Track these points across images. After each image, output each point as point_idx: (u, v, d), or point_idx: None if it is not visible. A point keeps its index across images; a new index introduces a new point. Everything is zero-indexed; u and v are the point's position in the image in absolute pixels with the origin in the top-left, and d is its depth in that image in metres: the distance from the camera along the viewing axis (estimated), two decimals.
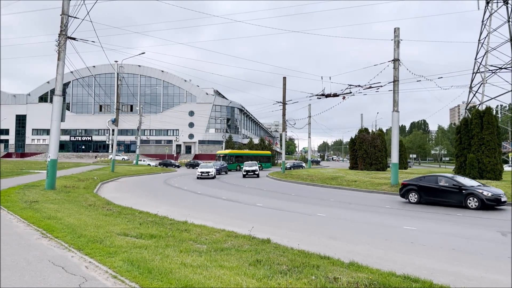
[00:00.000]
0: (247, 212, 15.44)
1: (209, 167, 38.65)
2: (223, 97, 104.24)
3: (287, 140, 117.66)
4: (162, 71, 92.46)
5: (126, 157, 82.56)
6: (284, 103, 43.52)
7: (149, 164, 62.87)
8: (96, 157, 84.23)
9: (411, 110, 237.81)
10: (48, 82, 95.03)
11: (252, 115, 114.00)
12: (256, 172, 41.34)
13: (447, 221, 13.39)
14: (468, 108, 42.72)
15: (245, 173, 41.51)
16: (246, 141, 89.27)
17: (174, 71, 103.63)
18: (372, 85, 25.98)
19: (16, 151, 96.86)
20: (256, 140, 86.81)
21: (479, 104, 39.78)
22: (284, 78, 43.99)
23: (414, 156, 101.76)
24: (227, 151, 60.85)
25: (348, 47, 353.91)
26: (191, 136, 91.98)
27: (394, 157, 25.31)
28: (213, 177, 37.28)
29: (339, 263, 6.81)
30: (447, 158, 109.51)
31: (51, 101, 45.23)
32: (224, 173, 48.66)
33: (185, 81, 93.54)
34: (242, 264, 6.47)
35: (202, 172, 37.17)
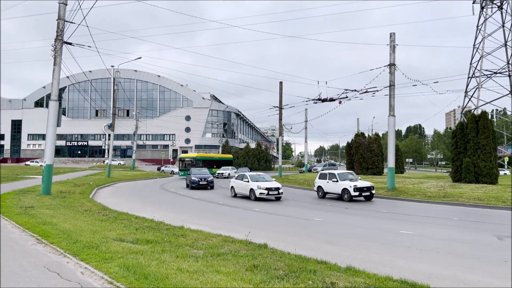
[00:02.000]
0: (243, 217, 15.41)
1: (269, 179, 23.11)
2: (220, 101, 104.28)
3: (284, 144, 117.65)
4: (159, 76, 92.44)
5: (122, 162, 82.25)
6: (280, 108, 43.57)
7: (172, 171, 59.29)
8: (104, 161, 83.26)
9: (405, 115, 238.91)
10: (44, 87, 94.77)
11: (248, 120, 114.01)
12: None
13: (443, 225, 13.41)
14: (463, 112, 42.95)
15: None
16: (242, 145, 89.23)
17: (170, 75, 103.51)
18: (368, 90, 26.07)
19: (12, 156, 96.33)
20: (252, 145, 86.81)
21: (475, 109, 40.00)
22: (281, 83, 44.07)
23: (411, 160, 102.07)
24: (195, 155, 53.18)
25: (342, 52, 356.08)
26: (187, 140, 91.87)
27: (391, 162, 25.34)
28: (280, 198, 22.05)
29: (336, 268, 6.80)
30: (443, 162, 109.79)
31: (47, 106, 45.11)
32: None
33: (182, 86, 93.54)
34: (239, 269, 6.45)
35: (268, 190, 21.10)
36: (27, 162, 77.46)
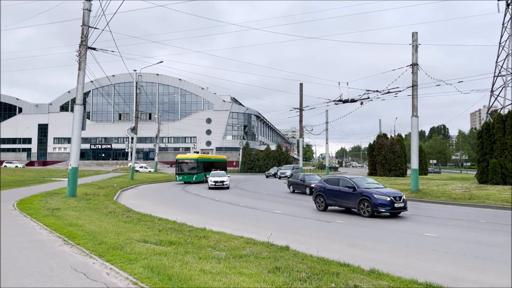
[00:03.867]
0: (265, 219, 15.39)
1: None
2: (240, 104, 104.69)
3: (304, 146, 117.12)
4: (180, 79, 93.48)
5: (145, 165, 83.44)
6: (301, 109, 43.41)
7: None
8: (143, 163, 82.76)
9: (428, 115, 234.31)
10: (69, 92, 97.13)
11: (268, 122, 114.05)
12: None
13: (470, 228, 13.10)
14: (489, 112, 41.87)
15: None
16: (263, 147, 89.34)
17: (190, 79, 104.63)
18: (391, 90, 25.70)
19: (39, 159, 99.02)
20: (273, 147, 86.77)
21: (501, 108, 38.96)
22: (301, 85, 43.94)
23: (435, 161, 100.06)
24: (196, 156, 42.43)
25: (357, 54, 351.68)
26: (208, 143, 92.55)
27: (414, 163, 24.91)
28: None
29: (360, 271, 6.73)
30: (469, 164, 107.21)
31: (72, 110, 46.22)
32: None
33: (202, 88, 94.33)
34: (261, 271, 6.45)
35: None
36: (137, 168, 68.88)
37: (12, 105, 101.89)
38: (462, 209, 18.92)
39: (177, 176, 39.74)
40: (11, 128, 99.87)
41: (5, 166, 72.31)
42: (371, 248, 9.81)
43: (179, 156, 41.91)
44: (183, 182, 39.36)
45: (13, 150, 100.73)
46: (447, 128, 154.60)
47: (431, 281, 6.17)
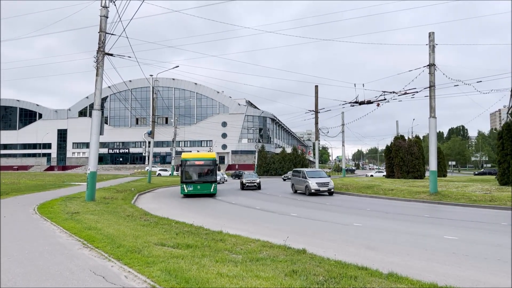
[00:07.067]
0: (281, 222, 15.34)
1: None
2: (255, 107, 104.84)
3: (320, 148, 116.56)
4: (195, 83, 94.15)
5: (167, 169, 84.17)
6: (316, 112, 43.21)
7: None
8: (161, 166, 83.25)
9: (445, 116, 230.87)
10: (87, 97, 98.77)
11: (284, 125, 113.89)
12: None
13: (491, 231, 12.82)
14: (510, 112, 40.97)
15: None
16: (278, 150, 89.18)
17: (206, 83, 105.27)
18: (408, 91, 25.40)
19: (58, 164, 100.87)
20: (288, 150, 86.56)
21: None
22: (316, 87, 43.75)
23: (453, 163, 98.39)
24: (214, 154, 30.60)
25: (372, 56, 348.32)
26: (224, 146, 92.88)
27: (433, 165, 24.55)
28: None
29: (378, 274, 6.65)
30: (489, 165, 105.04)
31: (90, 115, 47.03)
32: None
33: (218, 92, 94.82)
34: (278, 274, 6.43)
35: None
36: (159, 171, 66.09)
37: (32, 111, 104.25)
38: (483, 211, 18.55)
39: (184, 185, 27.33)
40: (31, 133, 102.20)
41: (159, 174, 64.18)
42: (389, 251, 9.69)
43: (187, 155, 29.34)
44: (184, 194, 27.60)
45: (34, 155, 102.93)
46: (466, 129, 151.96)
47: (451, 285, 6.06)
